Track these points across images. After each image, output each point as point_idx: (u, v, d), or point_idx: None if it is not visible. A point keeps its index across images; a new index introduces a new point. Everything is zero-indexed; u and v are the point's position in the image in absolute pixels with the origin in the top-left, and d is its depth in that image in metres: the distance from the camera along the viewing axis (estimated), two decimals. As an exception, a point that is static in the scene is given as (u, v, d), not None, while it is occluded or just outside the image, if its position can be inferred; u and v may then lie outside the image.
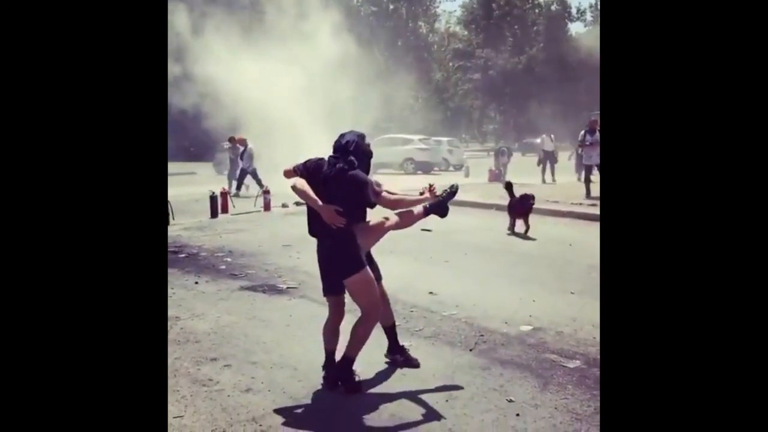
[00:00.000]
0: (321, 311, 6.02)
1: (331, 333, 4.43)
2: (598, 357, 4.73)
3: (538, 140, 23.84)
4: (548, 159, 21.84)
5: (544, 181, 20.46)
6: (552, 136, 22.30)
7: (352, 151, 4.16)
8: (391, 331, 4.77)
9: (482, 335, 5.29)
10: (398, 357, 4.71)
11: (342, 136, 4.27)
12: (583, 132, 15.54)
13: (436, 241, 9.81)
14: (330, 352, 4.39)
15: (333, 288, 4.38)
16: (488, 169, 21.90)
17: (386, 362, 4.70)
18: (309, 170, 4.21)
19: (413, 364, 4.64)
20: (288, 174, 4.31)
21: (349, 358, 4.29)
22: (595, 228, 8.86)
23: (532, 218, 10.59)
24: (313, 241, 4.48)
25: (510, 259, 8.60)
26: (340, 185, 4.10)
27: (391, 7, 46.06)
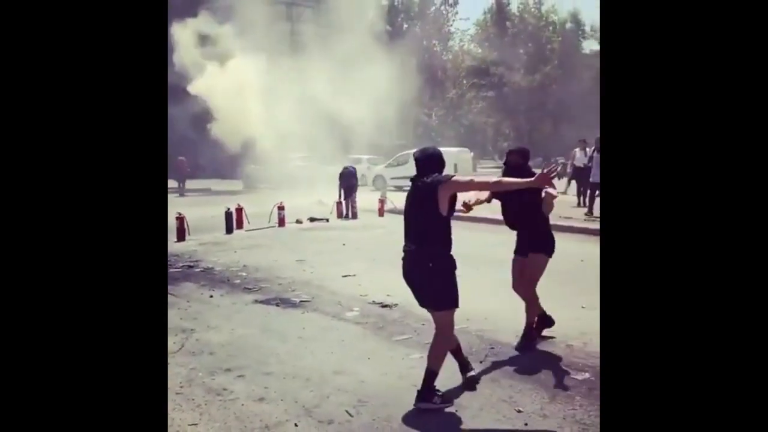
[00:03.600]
0: (333, 324, 6.17)
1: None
2: (607, 369, 4.78)
3: (574, 155, 16.97)
4: (580, 177, 16.23)
5: (580, 204, 15.79)
6: (588, 149, 15.84)
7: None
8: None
9: (492, 347, 5.35)
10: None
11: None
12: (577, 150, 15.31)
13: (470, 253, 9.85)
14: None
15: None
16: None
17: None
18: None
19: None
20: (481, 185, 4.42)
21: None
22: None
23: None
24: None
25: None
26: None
27: (405, 26, 46.41)
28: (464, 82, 55.10)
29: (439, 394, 4.22)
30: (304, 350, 5.37)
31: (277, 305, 6.96)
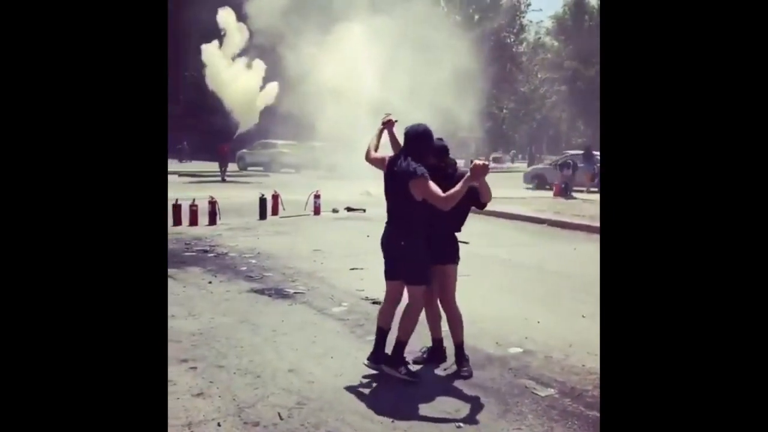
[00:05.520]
0: (315, 319, 5.98)
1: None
2: (577, 386, 4.44)
3: None
4: None
5: None
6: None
7: None
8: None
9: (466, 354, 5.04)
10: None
11: None
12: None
13: (467, 253, 9.51)
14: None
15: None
16: (554, 183, 21.25)
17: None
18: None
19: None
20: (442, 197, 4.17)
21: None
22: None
23: (574, 236, 10.12)
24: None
25: (535, 276, 8.25)
26: None
27: (477, 17, 45.62)
28: (538, 75, 53.98)
29: (408, 366, 4.53)
30: (270, 344, 5.20)
31: (269, 295, 6.83)
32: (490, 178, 4.27)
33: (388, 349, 4.59)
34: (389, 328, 4.65)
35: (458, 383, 4.46)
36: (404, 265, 4.47)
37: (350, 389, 4.30)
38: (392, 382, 4.40)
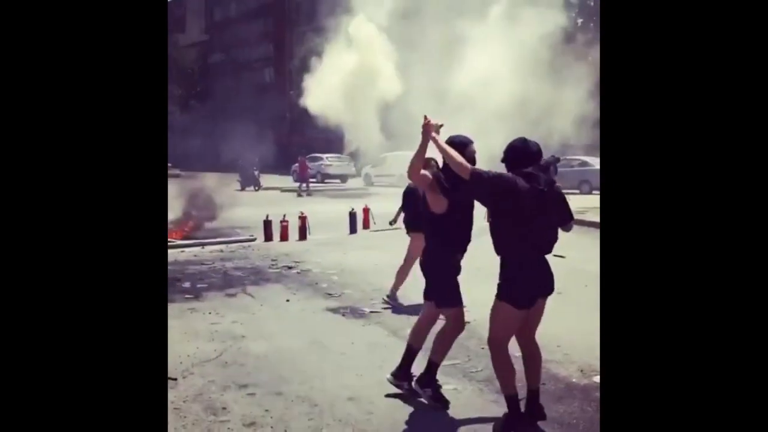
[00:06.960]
0: (387, 341, 5.68)
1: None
2: (669, 425, 3.90)
3: None
4: None
5: None
6: None
7: None
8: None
9: (544, 384, 4.56)
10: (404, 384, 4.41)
11: None
12: None
13: (562, 268, 8.92)
14: None
15: None
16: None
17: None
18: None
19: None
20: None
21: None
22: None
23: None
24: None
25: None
26: None
27: (580, 20, 44.03)
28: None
29: (437, 388, 4.20)
30: (335, 369, 4.93)
31: (344, 315, 6.60)
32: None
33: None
34: (419, 347, 4.44)
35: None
36: (433, 288, 4.26)
37: (410, 423, 3.96)
38: (460, 414, 4.03)
